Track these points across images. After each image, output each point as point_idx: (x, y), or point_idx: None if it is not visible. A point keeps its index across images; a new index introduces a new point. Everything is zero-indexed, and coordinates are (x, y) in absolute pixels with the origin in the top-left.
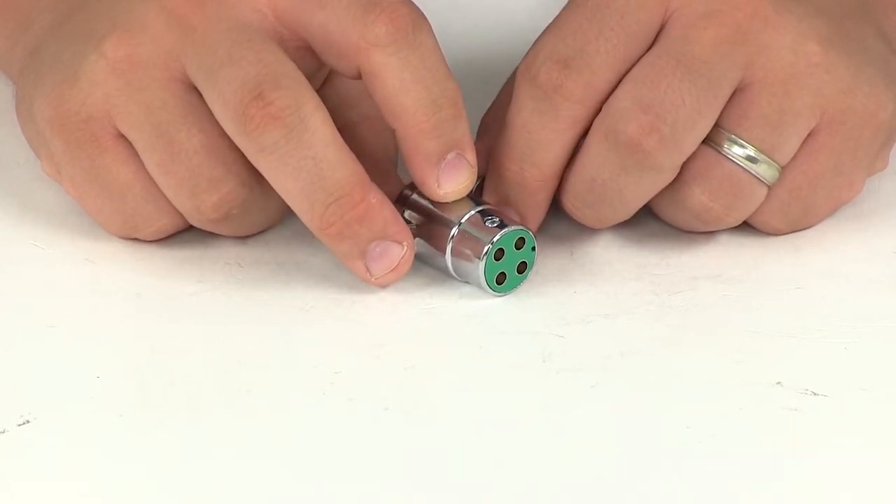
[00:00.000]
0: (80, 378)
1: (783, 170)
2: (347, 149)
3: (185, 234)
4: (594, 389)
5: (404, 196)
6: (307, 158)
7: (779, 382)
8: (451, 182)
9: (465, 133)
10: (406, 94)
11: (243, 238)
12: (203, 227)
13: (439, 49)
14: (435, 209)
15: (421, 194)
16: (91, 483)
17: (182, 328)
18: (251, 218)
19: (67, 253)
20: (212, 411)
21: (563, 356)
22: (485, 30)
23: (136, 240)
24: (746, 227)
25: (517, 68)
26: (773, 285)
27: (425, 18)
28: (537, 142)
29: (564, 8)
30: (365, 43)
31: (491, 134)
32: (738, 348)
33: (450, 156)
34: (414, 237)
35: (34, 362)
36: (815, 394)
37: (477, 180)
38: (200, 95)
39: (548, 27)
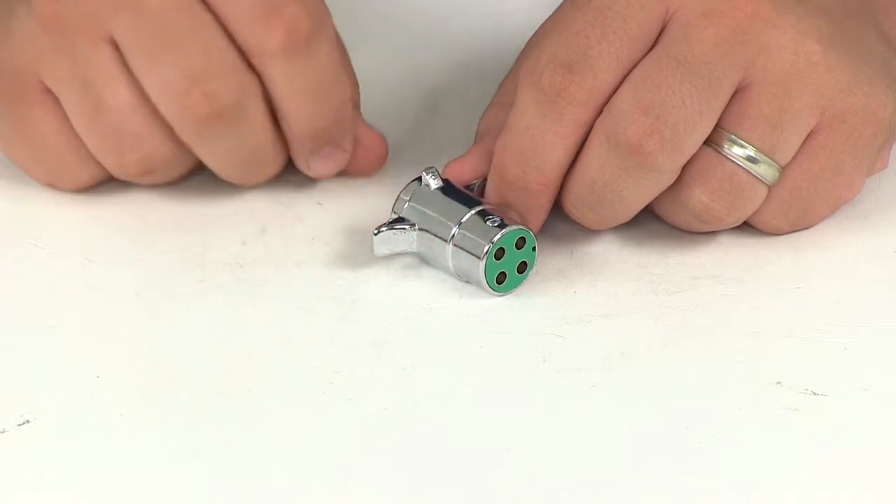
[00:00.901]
0: (80, 378)
1: (784, 169)
2: (278, 131)
3: (185, 233)
4: (594, 389)
5: (402, 200)
6: (243, 148)
7: (779, 382)
8: (320, 168)
9: (343, 132)
10: (292, 101)
11: (243, 238)
12: (126, 180)
13: (333, 55)
14: (435, 211)
15: (419, 198)
16: (91, 483)
17: (182, 328)
18: (173, 171)
19: (67, 253)
20: (212, 411)
21: (563, 356)
22: (483, 30)
23: (135, 240)
24: (747, 227)
25: (516, 67)
26: (773, 285)
27: (325, 24)
28: (540, 145)
29: (564, 10)
30: (260, 48)
31: (491, 135)
32: (738, 348)
33: (325, 150)
34: (414, 235)
35: (34, 362)
36: (815, 394)
37: (478, 181)
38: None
39: (548, 29)
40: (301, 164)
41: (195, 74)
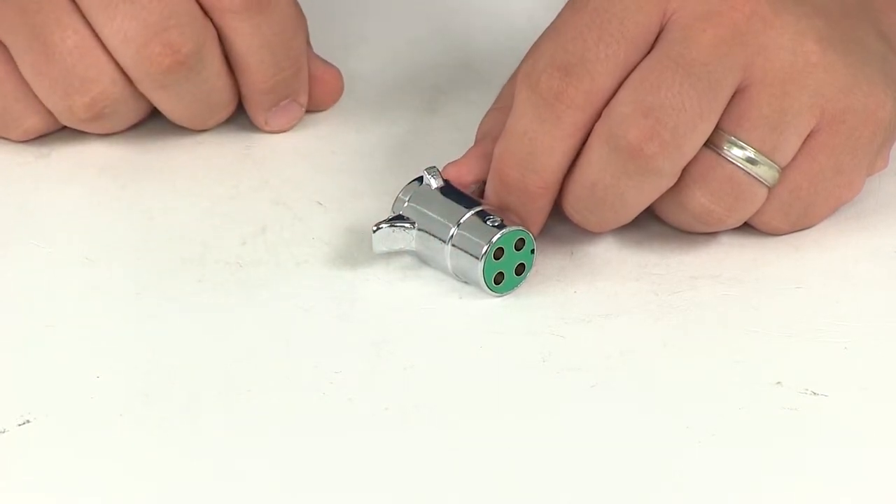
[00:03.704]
0: (80, 378)
1: (783, 170)
2: (232, 75)
3: (185, 233)
4: (594, 389)
5: (401, 200)
6: (202, 92)
7: (779, 382)
8: (278, 122)
9: (301, 84)
10: (252, 56)
11: (243, 238)
12: (76, 127)
13: (291, 6)
14: (434, 211)
15: (418, 198)
16: (91, 483)
17: (182, 328)
18: (121, 116)
19: (67, 253)
20: (212, 411)
21: (563, 356)
22: (484, 30)
23: (135, 240)
24: (747, 227)
25: (517, 74)
26: (773, 285)
27: None
28: (539, 149)
29: (563, 13)
30: (220, 4)
31: (489, 138)
32: (738, 348)
33: (283, 102)
34: (414, 233)
35: (34, 362)
36: (815, 394)
37: (477, 184)
38: None
39: (547, 33)
40: (259, 119)
41: (155, 25)
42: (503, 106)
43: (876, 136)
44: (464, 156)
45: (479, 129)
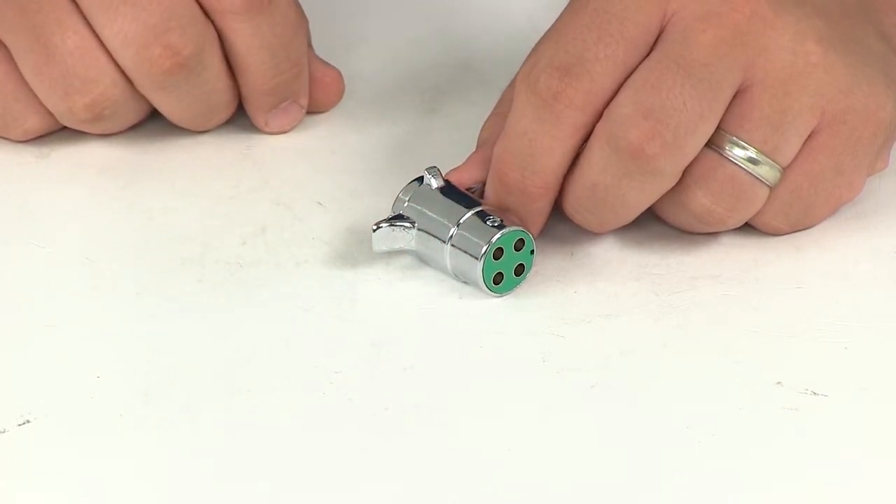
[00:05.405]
0: (80, 378)
1: (784, 170)
2: (233, 77)
3: (185, 233)
4: (594, 389)
5: (401, 200)
6: (202, 94)
7: (779, 382)
8: (279, 124)
9: (301, 85)
10: (252, 56)
11: (243, 238)
12: (75, 128)
13: (292, 7)
14: (433, 211)
15: (418, 198)
16: (91, 483)
17: (182, 328)
18: (122, 117)
19: (67, 253)
20: (212, 411)
21: (563, 356)
22: (484, 30)
23: (135, 240)
24: (747, 227)
25: (517, 76)
26: (773, 285)
27: None
28: (538, 149)
29: (563, 13)
30: (221, 6)
31: (490, 144)
32: (738, 348)
33: (283, 104)
34: (414, 233)
35: (34, 362)
36: (815, 394)
37: (477, 186)
38: None
39: (547, 34)
40: (259, 120)
41: (155, 27)
42: (504, 111)
43: (876, 136)
44: (465, 161)
45: (480, 134)
